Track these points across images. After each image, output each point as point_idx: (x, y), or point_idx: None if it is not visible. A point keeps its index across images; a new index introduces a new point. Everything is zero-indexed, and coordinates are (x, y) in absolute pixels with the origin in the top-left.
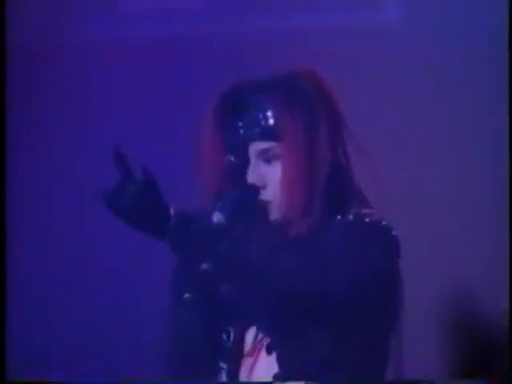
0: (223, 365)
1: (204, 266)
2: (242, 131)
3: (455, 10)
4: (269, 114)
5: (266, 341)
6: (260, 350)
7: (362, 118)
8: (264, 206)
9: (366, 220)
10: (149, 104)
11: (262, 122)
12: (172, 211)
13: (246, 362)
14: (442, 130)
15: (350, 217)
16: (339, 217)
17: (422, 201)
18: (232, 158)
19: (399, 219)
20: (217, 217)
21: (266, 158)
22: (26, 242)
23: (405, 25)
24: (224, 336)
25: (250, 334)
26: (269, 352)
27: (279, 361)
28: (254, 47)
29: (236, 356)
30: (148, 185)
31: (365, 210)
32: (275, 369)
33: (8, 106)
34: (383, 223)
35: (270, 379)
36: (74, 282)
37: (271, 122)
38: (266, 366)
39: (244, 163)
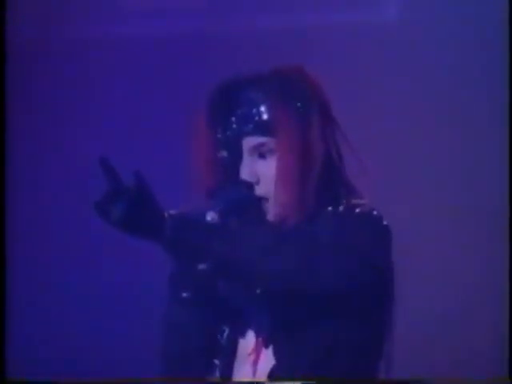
0: (217, 362)
1: (201, 266)
2: (235, 126)
3: (455, 9)
4: (263, 109)
5: (265, 337)
6: (261, 348)
7: (361, 116)
8: (258, 202)
9: (358, 211)
10: (143, 102)
11: (256, 118)
12: (166, 214)
13: (248, 361)
14: (441, 128)
15: (343, 209)
16: (331, 209)
17: (420, 198)
18: (225, 154)
19: (394, 215)
20: (211, 216)
21: (260, 153)
22: (26, 243)
23: (405, 24)
24: (219, 335)
25: (250, 334)
26: (266, 346)
27: (276, 356)
28: (252, 46)
29: (230, 353)
30: (140, 190)
31: (355, 201)
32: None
33: (8, 104)
34: (375, 213)
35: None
36: (74, 282)
37: (265, 117)
38: (267, 363)
39: (237, 159)
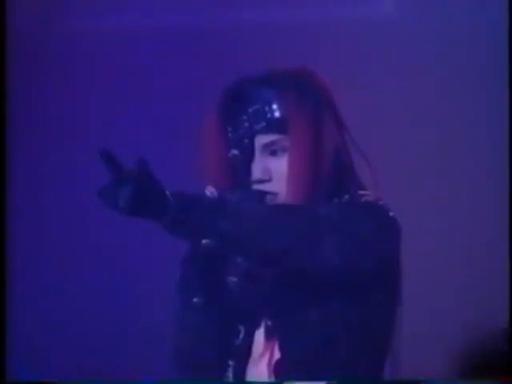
0: (231, 362)
1: (205, 241)
2: (247, 124)
3: (455, 6)
4: (275, 106)
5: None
6: (273, 347)
7: (361, 114)
8: (269, 199)
9: (364, 200)
10: (151, 96)
11: (268, 115)
12: (169, 194)
13: (261, 362)
14: (441, 124)
15: (351, 201)
16: (339, 201)
17: (422, 197)
18: (236, 152)
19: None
20: (209, 190)
21: (272, 150)
22: (26, 242)
23: (405, 20)
24: (233, 333)
25: (260, 334)
26: (268, 337)
27: (281, 348)
28: (254, 42)
29: (245, 353)
30: (143, 175)
31: (362, 192)
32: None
33: (8, 101)
34: (381, 204)
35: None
36: (75, 281)
37: (277, 114)
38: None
39: (249, 157)
